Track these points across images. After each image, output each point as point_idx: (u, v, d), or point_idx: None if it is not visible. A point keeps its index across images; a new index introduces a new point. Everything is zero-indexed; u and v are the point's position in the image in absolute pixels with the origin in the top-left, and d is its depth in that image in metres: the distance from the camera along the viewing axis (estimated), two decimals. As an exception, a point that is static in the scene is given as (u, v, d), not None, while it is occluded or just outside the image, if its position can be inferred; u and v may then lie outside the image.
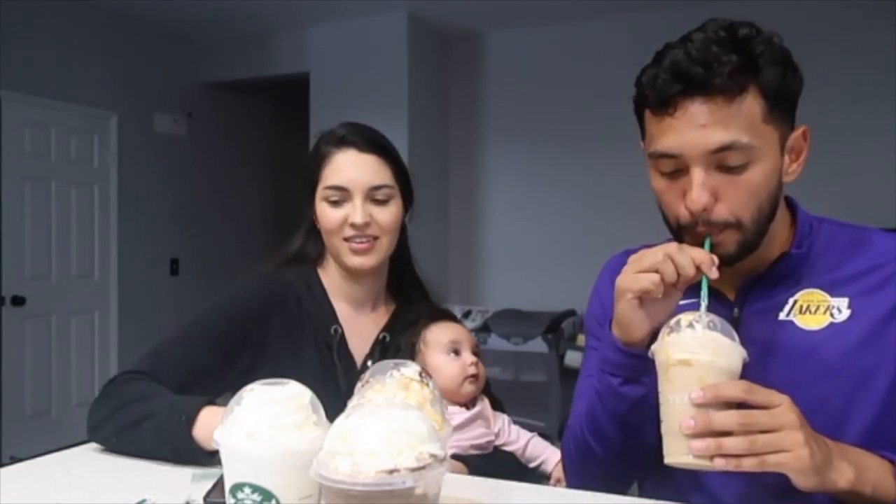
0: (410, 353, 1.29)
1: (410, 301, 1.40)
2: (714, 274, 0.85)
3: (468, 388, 1.27)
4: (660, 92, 0.88)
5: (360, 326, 1.34)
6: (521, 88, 5.05)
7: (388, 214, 1.27)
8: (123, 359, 4.94)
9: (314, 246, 1.36)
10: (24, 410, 4.34)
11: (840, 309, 0.93)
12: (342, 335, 1.30)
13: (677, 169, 0.90)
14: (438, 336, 1.29)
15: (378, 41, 4.83)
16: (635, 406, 0.95)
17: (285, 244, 1.40)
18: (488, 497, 0.91)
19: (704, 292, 0.86)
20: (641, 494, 1.05)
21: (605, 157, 4.74)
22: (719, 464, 0.76)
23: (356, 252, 1.26)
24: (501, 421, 1.33)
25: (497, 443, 1.30)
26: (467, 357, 1.28)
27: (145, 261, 5.08)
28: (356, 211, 1.24)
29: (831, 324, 0.93)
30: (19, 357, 4.31)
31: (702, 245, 0.89)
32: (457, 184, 5.21)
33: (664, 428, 0.82)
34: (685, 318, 0.82)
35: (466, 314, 4.48)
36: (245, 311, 1.26)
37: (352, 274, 1.32)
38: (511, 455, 1.30)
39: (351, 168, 1.26)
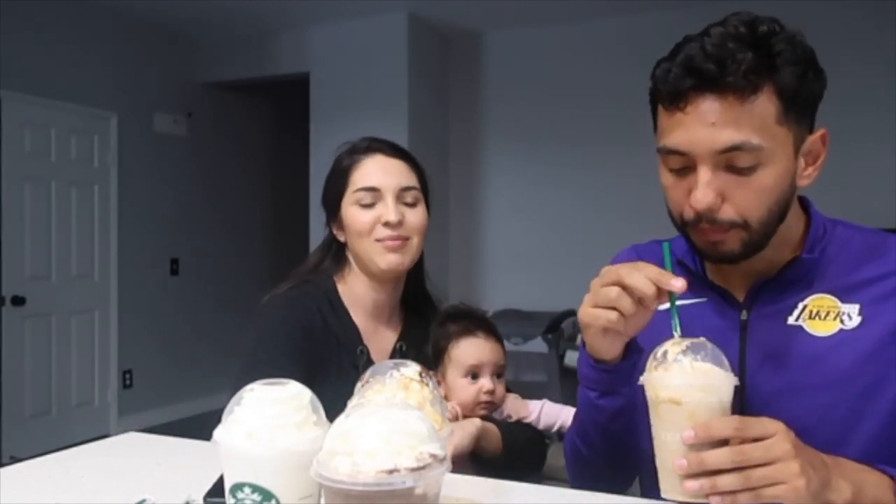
0: (437, 361, 1.30)
1: (420, 314, 1.40)
2: (677, 286, 0.81)
3: (480, 413, 1.27)
4: (672, 86, 0.86)
5: (379, 340, 1.34)
6: (521, 88, 5.05)
7: (417, 216, 1.29)
8: (123, 359, 4.95)
9: (333, 261, 1.36)
10: (24, 410, 4.34)
11: (850, 315, 0.91)
12: (368, 354, 1.30)
13: (685, 166, 0.88)
14: (462, 355, 1.28)
15: (378, 41, 4.83)
16: (615, 417, 0.95)
17: (303, 261, 1.40)
18: (488, 497, 0.91)
19: (675, 322, 0.82)
20: (642, 491, 1.05)
21: (605, 157, 4.74)
22: (715, 501, 0.74)
23: (390, 249, 1.27)
24: (507, 404, 1.34)
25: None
26: (485, 383, 1.27)
27: (145, 261, 5.08)
28: (389, 210, 1.26)
29: (841, 330, 0.90)
30: (19, 357, 4.31)
31: (666, 255, 0.86)
32: (457, 184, 5.21)
33: (658, 462, 0.80)
34: (672, 349, 0.78)
35: (466, 314, 4.48)
36: (287, 343, 1.24)
37: (379, 279, 1.32)
38: (526, 424, 1.33)
39: (381, 171, 1.28)
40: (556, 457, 2.91)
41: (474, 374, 1.28)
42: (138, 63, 5.00)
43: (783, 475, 0.73)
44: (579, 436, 1.02)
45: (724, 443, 0.75)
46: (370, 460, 0.60)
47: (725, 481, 0.73)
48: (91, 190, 4.76)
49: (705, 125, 0.84)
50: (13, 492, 0.93)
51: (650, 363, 0.80)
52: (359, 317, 1.33)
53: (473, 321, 1.33)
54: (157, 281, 5.18)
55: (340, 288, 1.34)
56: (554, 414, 1.34)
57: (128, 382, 5.00)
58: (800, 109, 0.86)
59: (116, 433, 1.25)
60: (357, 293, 1.34)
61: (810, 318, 0.92)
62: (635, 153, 4.52)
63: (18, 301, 4.28)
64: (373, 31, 4.83)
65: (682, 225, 0.92)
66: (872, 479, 0.82)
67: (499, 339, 1.33)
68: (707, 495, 0.74)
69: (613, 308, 0.83)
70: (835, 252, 0.95)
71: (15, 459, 1.32)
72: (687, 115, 0.85)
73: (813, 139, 0.90)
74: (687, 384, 0.76)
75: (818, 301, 0.93)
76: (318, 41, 5.04)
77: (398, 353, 1.33)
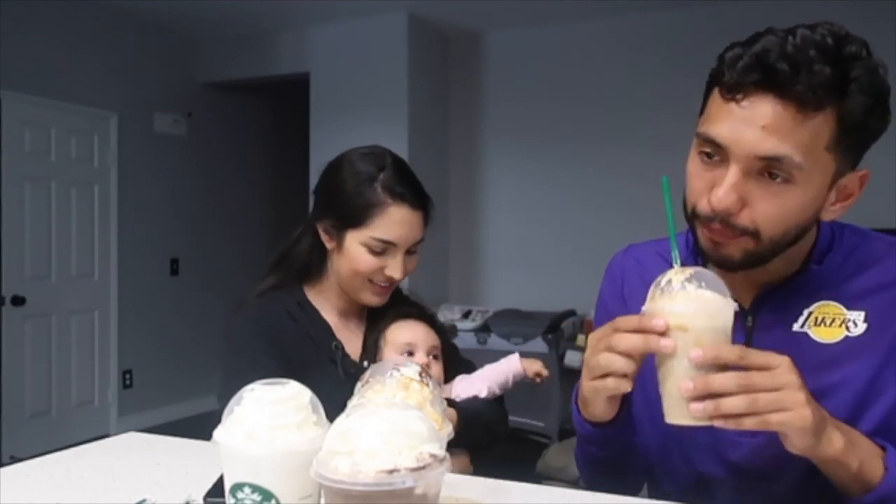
0: (374, 350, 1.30)
1: (386, 303, 1.39)
2: (659, 325, 0.78)
3: None
4: (737, 74, 0.81)
5: (350, 334, 1.36)
6: (522, 88, 5.05)
7: (413, 262, 1.32)
8: (123, 359, 4.95)
9: (318, 264, 1.36)
10: (24, 410, 4.34)
11: (856, 322, 0.90)
12: (343, 349, 1.32)
13: (718, 157, 0.84)
14: (396, 336, 1.30)
15: (378, 41, 4.83)
16: (620, 456, 0.99)
17: (287, 257, 1.38)
18: (488, 497, 0.91)
19: (675, 253, 0.82)
20: (650, 494, 1.05)
21: (605, 157, 4.74)
22: (719, 424, 0.75)
23: (378, 293, 1.31)
24: (450, 389, 1.31)
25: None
26: (419, 358, 1.27)
27: (145, 261, 5.08)
28: (397, 267, 1.28)
29: (846, 337, 0.90)
30: (19, 357, 4.31)
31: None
32: (457, 184, 5.21)
33: (663, 390, 0.80)
34: (675, 277, 0.79)
35: (466, 314, 4.48)
36: (261, 347, 1.25)
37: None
38: (476, 398, 1.30)
39: (404, 227, 1.27)
40: (555, 457, 2.91)
41: (410, 353, 1.28)
42: (138, 63, 4.99)
43: (789, 402, 0.74)
44: (580, 460, 1.07)
45: (727, 371, 0.75)
46: (370, 460, 0.60)
47: (731, 404, 0.74)
48: (91, 190, 4.76)
49: (755, 126, 0.80)
50: (13, 492, 0.93)
51: (653, 292, 0.80)
52: (329, 315, 1.35)
53: (408, 309, 1.36)
54: (157, 281, 5.18)
55: (310, 293, 1.36)
56: (504, 372, 1.32)
57: (128, 382, 5.00)
58: (852, 142, 0.83)
59: (116, 433, 1.25)
60: (328, 297, 1.36)
61: (816, 324, 0.92)
62: (636, 153, 4.53)
63: (18, 301, 4.28)
64: (373, 31, 4.83)
65: (692, 216, 0.89)
66: (863, 443, 0.83)
67: (433, 327, 1.34)
68: (711, 418, 0.75)
69: (613, 375, 0.82)
70: (841, 260, 0.94)
71: (15, 459, 1.32)
72: (742, 108, 0.81)
73: (852, 177, 0.88)
74: (693, 310, 0.77)
75: (824, 308, 0.92)
76: (318, 41, 5.04)
77: (372, 345, 1.34)
